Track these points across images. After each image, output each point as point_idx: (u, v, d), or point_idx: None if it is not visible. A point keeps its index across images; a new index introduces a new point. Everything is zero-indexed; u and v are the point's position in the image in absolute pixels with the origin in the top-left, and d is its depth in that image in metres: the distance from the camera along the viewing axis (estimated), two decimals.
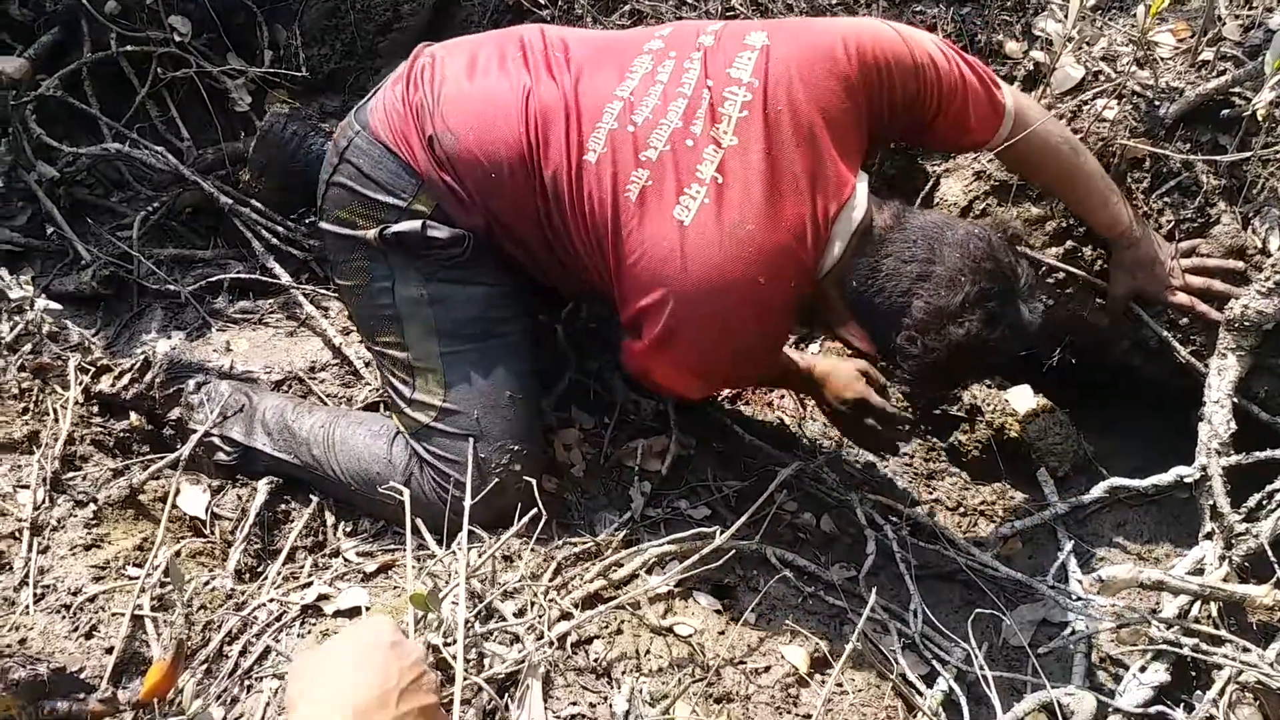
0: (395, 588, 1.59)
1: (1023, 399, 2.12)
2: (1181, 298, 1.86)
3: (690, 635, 1.59)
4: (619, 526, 1.74)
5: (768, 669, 1.57)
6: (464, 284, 1.67)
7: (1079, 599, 1.78)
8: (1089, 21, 2.01)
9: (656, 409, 1.96)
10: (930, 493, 2.08)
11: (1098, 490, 1.98)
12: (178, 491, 1.69)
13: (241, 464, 1.77)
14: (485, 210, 1.63)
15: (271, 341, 2.04)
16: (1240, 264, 1.86)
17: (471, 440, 1.65)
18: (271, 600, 1.53)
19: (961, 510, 2.05)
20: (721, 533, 1.59)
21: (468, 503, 1.55)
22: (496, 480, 1.66)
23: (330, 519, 1.72)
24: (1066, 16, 1.84)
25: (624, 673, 1.51)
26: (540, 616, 1.52)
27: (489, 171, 1.59)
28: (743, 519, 1.63)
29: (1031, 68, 2.05)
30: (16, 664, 1.30)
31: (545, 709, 1.42)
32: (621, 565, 1.64)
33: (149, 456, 1.76)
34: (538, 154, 1.57)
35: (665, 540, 1.64)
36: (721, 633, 1.61)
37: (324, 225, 1.72)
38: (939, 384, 1.78)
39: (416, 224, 1.62)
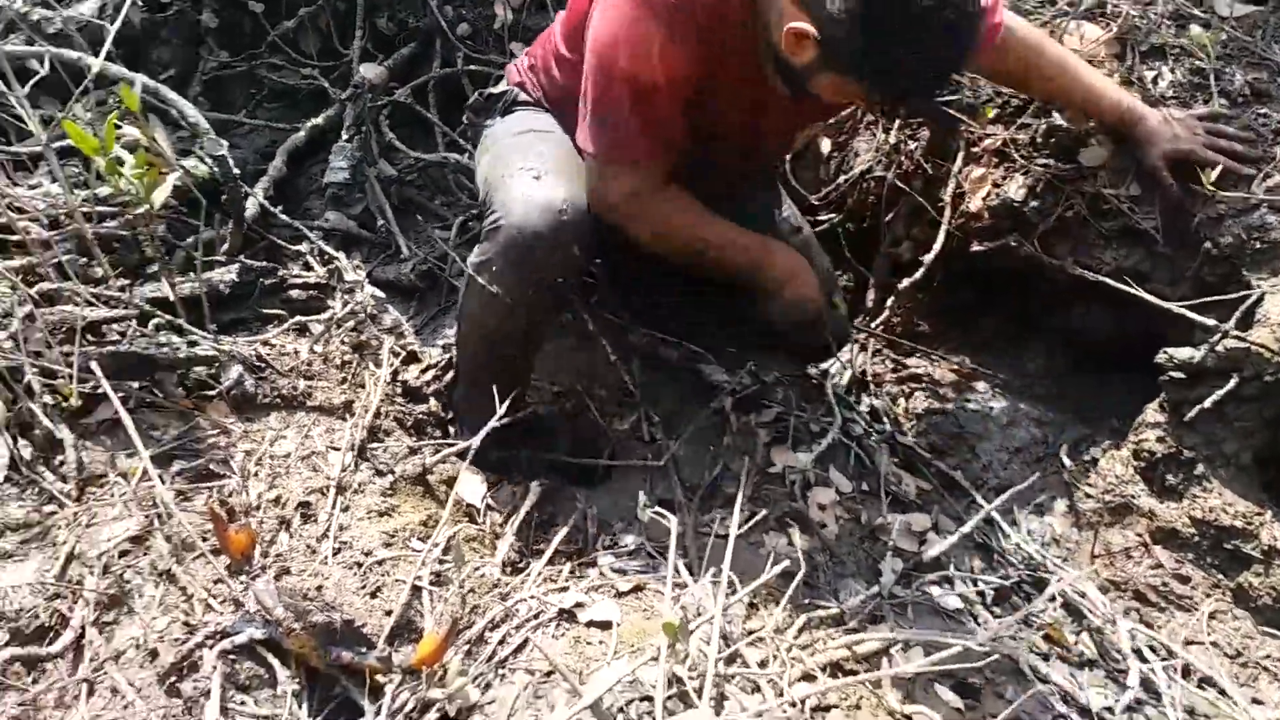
0: (645, 609, 1.61)
1: None
2: (1211, 154, 1.81)
3: None
4: (865, 599, 1.70)
5: None
6: None
7: None
8: None
9: (919, 487, 1.91)
10: None
11: None
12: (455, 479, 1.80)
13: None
14: None
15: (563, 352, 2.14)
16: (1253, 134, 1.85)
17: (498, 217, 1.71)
18: (532, 597, 1.60)
19: None
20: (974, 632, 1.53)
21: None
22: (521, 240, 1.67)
23: (592, 530, 1.77)
24: None
25: None
26: (782, 672, 1.50)
27: None
28: (997, 623, 1.55)
29: None
30: (316, 609, 1.42)
31: None
32: (866, 640, 1.61)
33: (440, 441, 1.88)
34: None
35: (922, 633, 1.59)
36: None
37: None
38: (879, 72, 1.51)
39: None
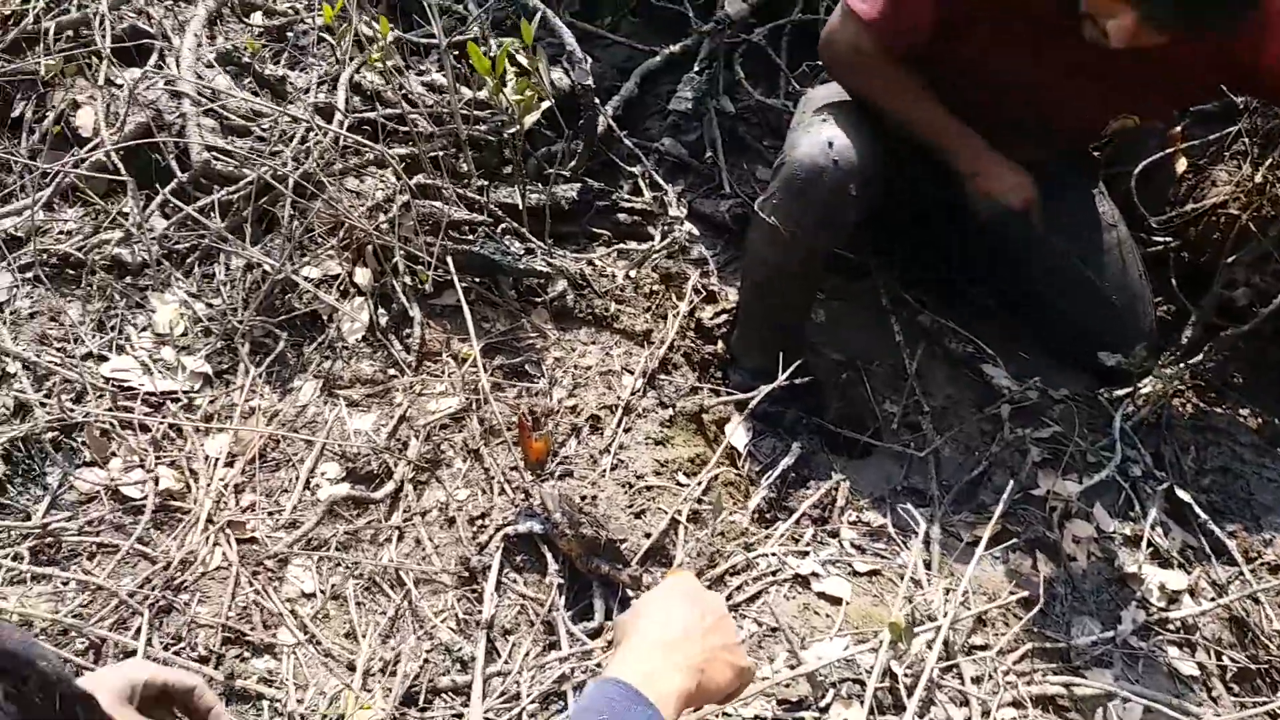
0: (876, 596, 1.65)
1: None
2: None
3: None
4: (1097, 642, 1.64)
5: None
6: None
7: None
8: None
9: (1186, 544, 1.79)
10: None
11: None
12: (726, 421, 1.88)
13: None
14: None
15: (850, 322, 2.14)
16: None
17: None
18: (773, 554, 1.67)
19: None
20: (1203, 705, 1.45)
21: None
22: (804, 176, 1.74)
23: (841, 502, 1.81)
24: None
25: None
26: (995, 694, 1.50)
27: None
28: (1233, 702, 1.46)
29: None
30: (588, 522, 1.56)
31: None
32: (1087, 684, 1.56)
33: (718, 384, 1.96)
34: None
35: (1147, 691, 1.53)
36: None
37: None
38: None
39: None
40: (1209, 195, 1.98)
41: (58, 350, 1.72)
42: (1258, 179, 1.87)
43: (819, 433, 1.94)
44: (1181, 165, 2.07)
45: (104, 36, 2.09)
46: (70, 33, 2.16)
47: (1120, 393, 1.96)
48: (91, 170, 1.91)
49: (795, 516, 1.75)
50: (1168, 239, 2.05)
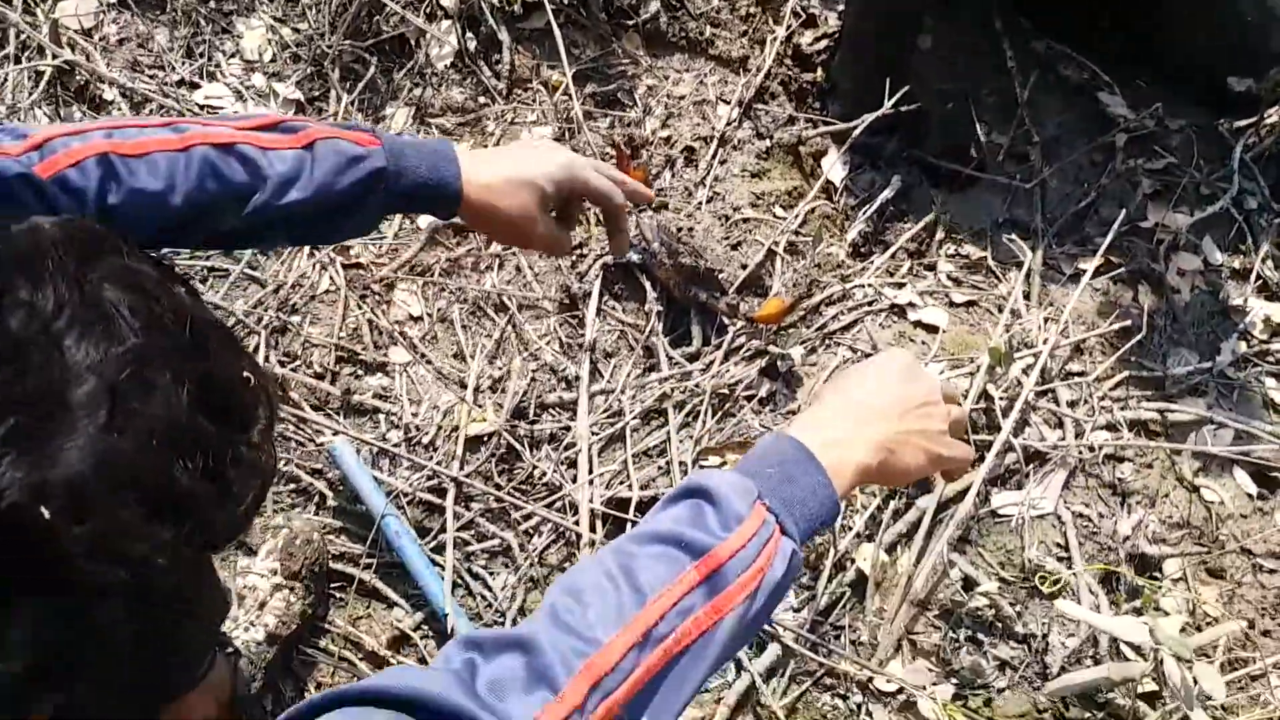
0: (973, 325, 1.63)
1: None
2: None
3: (1214, 503, 1.51)
4: (1194, 371, 1.62)
5: (1274, 571, 1.47)
6: None
7: None
8: None
9: None
10: None
11: None
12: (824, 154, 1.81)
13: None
14: None
15: (959, 49, 1.99)
16: None
17: None
18: (869, 285, 1.65)
19: None
20: None
21: None
22: None
23: (940, 235, 1.76)
24: None
25: (1138, 504, 1.49)
26: (1090, 417, 1.51)
27: None
28: None
29: None
30: (686, 251, 1.55)
31: (1059, 497, 1.45)
32: (1180, 410, 1.56)
33: (816, 116, 1.87)
34: None
35: (1239, 418, 1.53)
36: (1245, 516, 1.51)
37: None
38: None
39: None
40: None
41: (150, 77, 1.69)
42: None
43: (921, 165, 1.85)
44: None
45: None
46: None
47: (1243, 123, 1.83)
48: None
49: (892, 250, 1.71)
50: None
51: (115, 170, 0.77)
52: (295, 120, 0.87)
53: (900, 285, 1.66)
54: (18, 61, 1.64)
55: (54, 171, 0.74)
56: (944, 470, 0.85)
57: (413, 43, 1.76)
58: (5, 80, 1.62)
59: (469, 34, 1.78)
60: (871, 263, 1.69)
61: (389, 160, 0.87)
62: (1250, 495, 1.54)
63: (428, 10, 1.76)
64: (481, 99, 1.76)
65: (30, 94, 1.60)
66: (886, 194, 1.78)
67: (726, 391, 1.51)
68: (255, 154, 0.82)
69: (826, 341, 1.60)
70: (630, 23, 1.83)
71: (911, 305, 1.64)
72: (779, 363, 1.54)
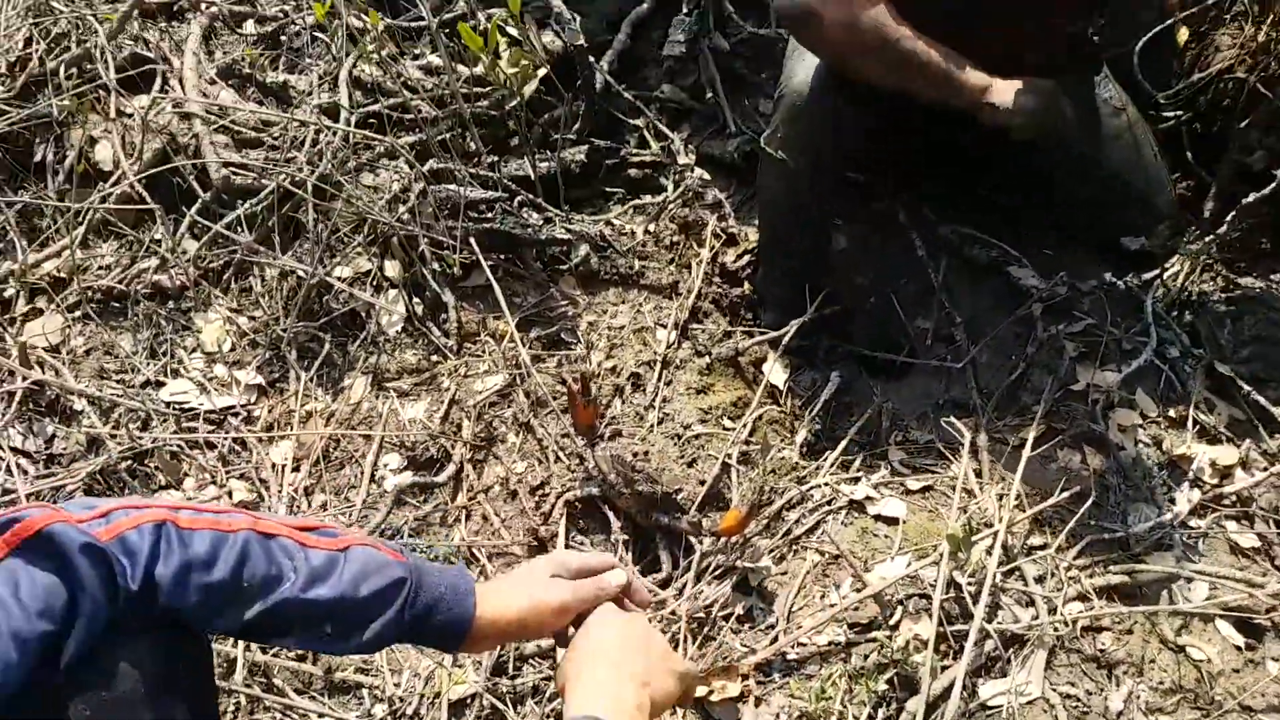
0: (931, 510, 1.64)
1: None
2: None
3: (1203, 662, 1.47)
4: (1155, 526, 1.62)
5: None
6: None
7: None
8: None
9: (1232, 417, 1.75)
10: None
11: None
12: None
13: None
14: None
15: (870, 243, 2.09)
16: None
17: None
18: (826, 484, 1.66)
19: None
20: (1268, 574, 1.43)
21: None
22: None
23: (886, 424, 1.79)
24: None
25: (1125, 674, 1.45)
26: (1059, 590, 1.49)
27: None
28: None
29: None
30: (642, 479, 1.56)
31: (1044, 679, 1.42)
32: (1148, 569, 1.55)
33: (751, 326, 1.94)
34: None
35: (1209, 568, 1.51)
36: (1236, 670, 1.47)
37: None
38: None
39: None
40: (1214, 62, 1.89)
41: (117, 382, 1.74)
42: (1261, 38, 1.78)
43: (855, 359, 1.91)
44: (1183, 36, 1.98)
45: (107, 68, 2.07)
46: (75, 69, 2.14)
47: (1148, 276, 1.91)
48: (119, 203, 1.91)
49: (843, 444, 1.74)
50: (1177, 113, 1.97)
51: (170, 537, 0.83)
52: (336, 527, 0.95)
53: (855, 480, 1.68)
54: None
55: (116, 534, 0.80)
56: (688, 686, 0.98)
57: (363, 315, 1.83)
58: None
59: (415, 299, 1.86)
60: (825, 459, 1.72)
61: (410, 573, 0.93)
62: (1238, 647, 1.50)
63: (374, 283, 1.85)
64: (434, 357, 1.82)
65: (4, 415, 1.64)
66: (828, 391, 1.83)
67: (704, 614, 1.49)
68: (294, 548, 0.89)
69: (794, 547, 1.60)
70: (564, 267, 1.92)
71: (869, 499, 1.64)
72: (750, 576, 1.53)
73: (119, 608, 0.80)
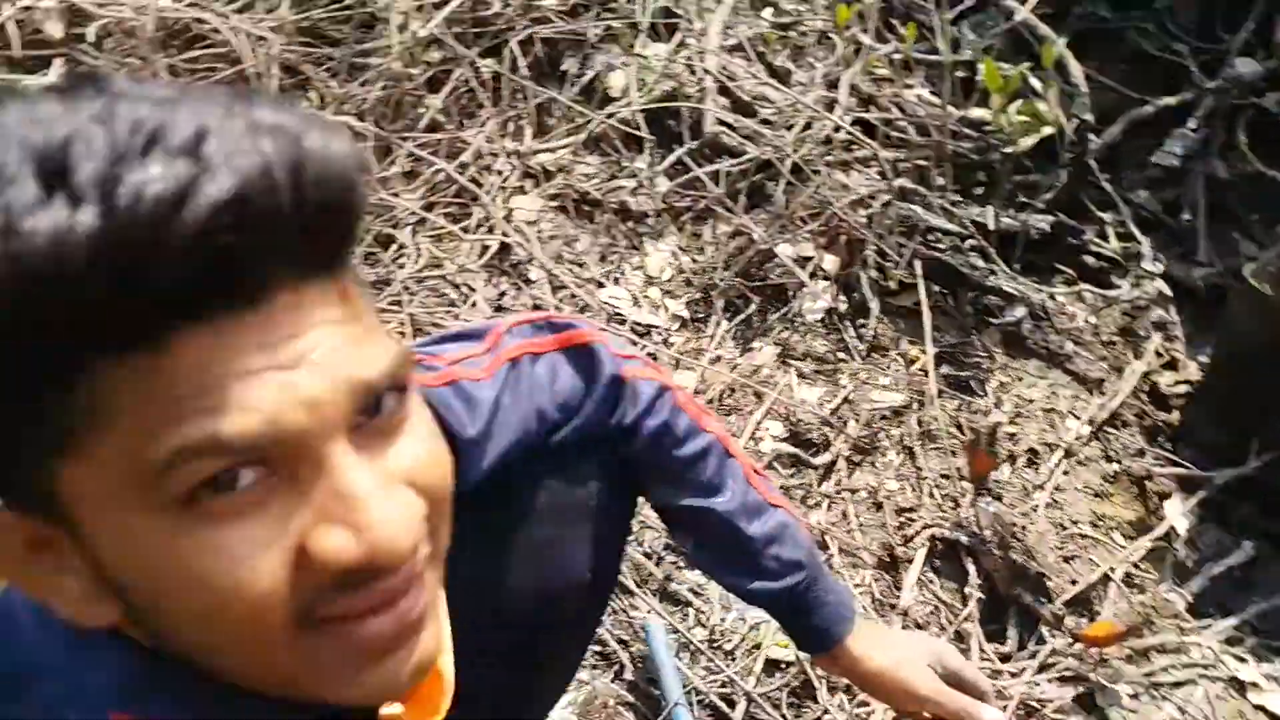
0: None
1: None
2: None
3: None
4: None
5: None
6: None
7: None
8: None
9: None
10: None
11: None
12: None
13: None
14: None
15: None
16: None
17: None
18: (1209, 646, 1.49)
19: None
20: None
21: None
22: None
23: None
24: None
25: None
26: None
27: None
28: None
29: None
30: (1019, 549, 1.49)
31: None
32: None
33: (1168, 456, 1.78)
34: None
35: None
36: None
37: None
38: None
39: None
40: None
41: (568, 269, 1.91)
42: None
43: (1274, 540, 1.70)
44: None
45: (644, 12, 2.29)
46: (613, 9, 2.39)
47: None
48: (618, 124, 2.10)
49: (1236, 620, 1.55)
50: None
51: (665, 402, 0.92)
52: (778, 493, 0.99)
53: (1243, 660, 1.49)
54: (475, 232, 1.91)
55: (634, 376, 0.89)
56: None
57: (790, 293, 1.88)
58: (458, 247, 1.90)
59: (842, 296, 1.89)
60: (1213, 625, 1.54)
61: (810, 566, 0.96)
62: None
63: (811, 269, 1.90)
64: (840, 355, 1.83)
65: (479, 260, 1.86)
66: (1232, 560, 1.64)
67: (1036, 705, 1.39)
68: (742, 476, 0.95)
69: (1153, 692, 1.45)
70: (994, 321, 1.87)
71: (1255, 685, 1.46)
72: (1097, 695, 1.40)
73: (607, 431, 0.88)
